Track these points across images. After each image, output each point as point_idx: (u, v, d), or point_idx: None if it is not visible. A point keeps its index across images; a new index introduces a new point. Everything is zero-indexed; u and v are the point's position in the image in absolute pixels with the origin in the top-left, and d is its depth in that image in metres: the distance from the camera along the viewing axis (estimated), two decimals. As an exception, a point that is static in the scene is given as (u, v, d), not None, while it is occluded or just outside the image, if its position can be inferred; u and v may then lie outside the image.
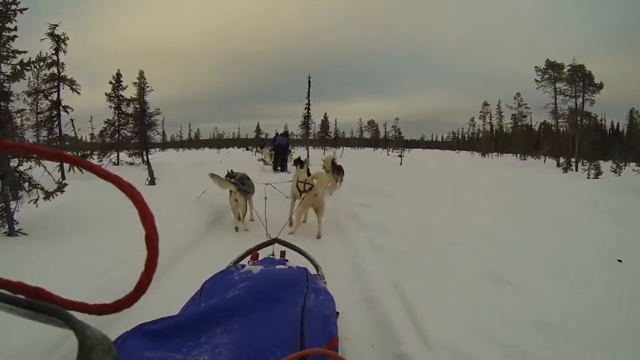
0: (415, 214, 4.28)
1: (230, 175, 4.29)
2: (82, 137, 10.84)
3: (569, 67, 18.10)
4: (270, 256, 1.79)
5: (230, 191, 4.02)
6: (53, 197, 3.40)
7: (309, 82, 20.16)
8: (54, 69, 9.67)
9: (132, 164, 12.28)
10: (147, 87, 13.97)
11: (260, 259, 1.77)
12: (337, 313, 1.17)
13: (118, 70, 13.29)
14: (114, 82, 13.17)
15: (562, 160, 17.76)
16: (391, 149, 29.67)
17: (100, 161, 12.00)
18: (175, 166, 10.69)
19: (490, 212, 4.46)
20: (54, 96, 9.75)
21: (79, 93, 9.75)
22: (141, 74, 14.12)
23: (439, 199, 5.34)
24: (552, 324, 1.88)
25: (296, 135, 31.54)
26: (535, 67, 19.40)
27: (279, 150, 11.09)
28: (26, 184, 3.45)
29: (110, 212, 3.56)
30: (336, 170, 6.63)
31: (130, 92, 13.67)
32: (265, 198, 3.52)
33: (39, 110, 10.22)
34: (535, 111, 27.20)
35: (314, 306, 1.02)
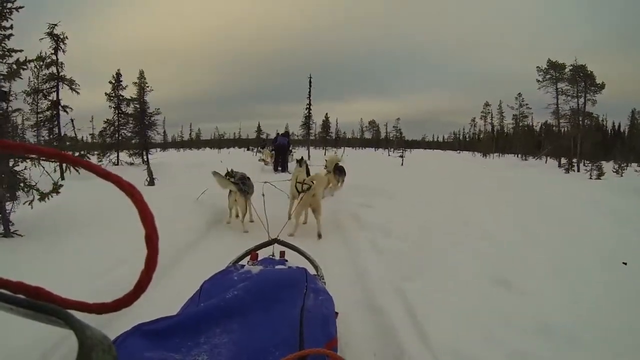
0: (416, 215, 4.27)
1: (230, 174, 4.28)
2: (82, 137, 10.87)
3: (571, 67, 18.10)
4: (270, 256, 1.79)
5: (230, 191, 4.02)
6: (48, 198, 3.39)
7: (310, 82, 20.23)
8: (53, 69, 9.70)
9: (132, 164, 12.30)
10: (147, 87, 14.04)
11: (259, 259, 1.77)
12: (337, 313, 1.17)
13: (118, 70, 13.35)
14: (113, 82, 13.21)
15: (563, 160, 17.74)
16: (392, 150, 29.66)
17: (100, 161, 12.02)
18: (175, 166, 10.70)
19: (492, 213, 4.46)
20: (53, 96, 9.78)
21: (78, 93, 9.79)
22: (141, 73, 14.17)
23: (440, 199, 5.33)
24: (553, 324, 1.88)
25: (297, 136, 31.61)
26: (537, 67, 19.41)
27: (279, 151, 10.90)
28: (21, 185, 3.44)
29: (109, 211, 3.56)
30: (338, 171, 6.63)
31: (130, 92, 13.75)
32: (263, 195, 3.49)
33: (38, 110, 10.24)
34: (536, 111, 27.33)
35: (313, 306, 1.02)
